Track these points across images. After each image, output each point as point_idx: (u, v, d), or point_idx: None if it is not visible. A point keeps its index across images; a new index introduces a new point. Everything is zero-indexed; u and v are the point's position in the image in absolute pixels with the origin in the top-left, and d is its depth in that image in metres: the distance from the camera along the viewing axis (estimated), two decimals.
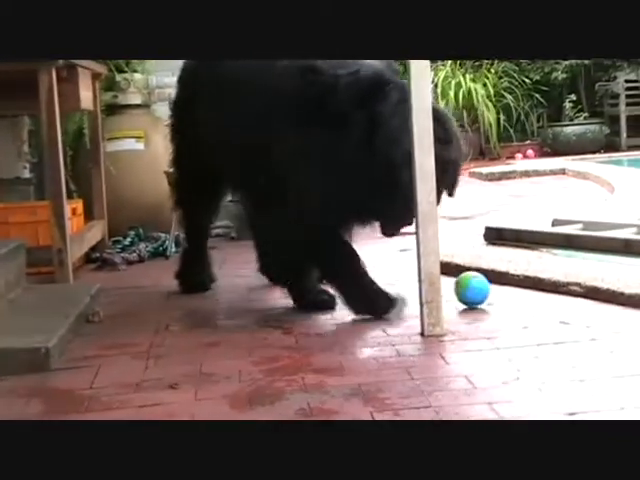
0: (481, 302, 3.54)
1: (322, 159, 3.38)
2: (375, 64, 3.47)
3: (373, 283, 3.51)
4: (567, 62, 11.97)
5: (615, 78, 12.11)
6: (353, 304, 3.50)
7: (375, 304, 3.47)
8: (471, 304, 3.53)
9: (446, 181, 3.37)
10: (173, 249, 5.45)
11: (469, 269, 4.06)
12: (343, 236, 3.60)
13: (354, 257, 3.54)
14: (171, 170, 4.49)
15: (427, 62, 3.16)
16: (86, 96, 4.98)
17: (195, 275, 4.25)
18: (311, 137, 3.40)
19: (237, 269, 4.19)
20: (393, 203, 3.32)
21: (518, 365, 2.75)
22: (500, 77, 11.97)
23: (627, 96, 11.95)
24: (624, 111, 11.88)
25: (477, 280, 3.56)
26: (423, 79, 3.14)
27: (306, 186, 3.41)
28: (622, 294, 3.41)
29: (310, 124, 3.40)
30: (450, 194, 3.46)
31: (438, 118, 3.32)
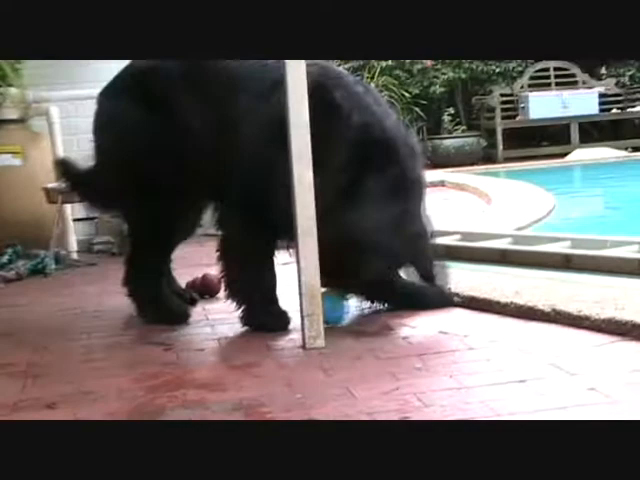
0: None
1: None
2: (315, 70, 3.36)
3: (276, 301, 3.56)
4: (445, 76, 12.23)
5: (491, 92, 12.42)
6: (253, 320, 3.52)
7: (270, 324, 3.49)
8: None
9: None
10: (53, 266, 5.36)
11: None
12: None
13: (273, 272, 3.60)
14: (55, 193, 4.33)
15: (304, 73, 3.12)
16: None
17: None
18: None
19: (118, 285, 4.13)
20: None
21: (398, 375, 2.79)
22: (380, 91, 12.10)
23: (502, 109, 12.28)
24: (500, 124, 12.19)
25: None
26: (300, 91, 3.12)
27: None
28: (498, 303, 3.50)
29: None
30: None
31: (383, 141, 3.36)
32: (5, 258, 5.46)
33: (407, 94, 12.28)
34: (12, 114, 6.08)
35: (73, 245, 5.95)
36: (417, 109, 12.29)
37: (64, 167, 4.11)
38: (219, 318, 3.70)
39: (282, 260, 4.74)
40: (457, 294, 3.65)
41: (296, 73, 3.11)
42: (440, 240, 4.80)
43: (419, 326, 3.40)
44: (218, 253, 3.58)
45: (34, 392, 2.91)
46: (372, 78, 12.05)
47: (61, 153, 6.06)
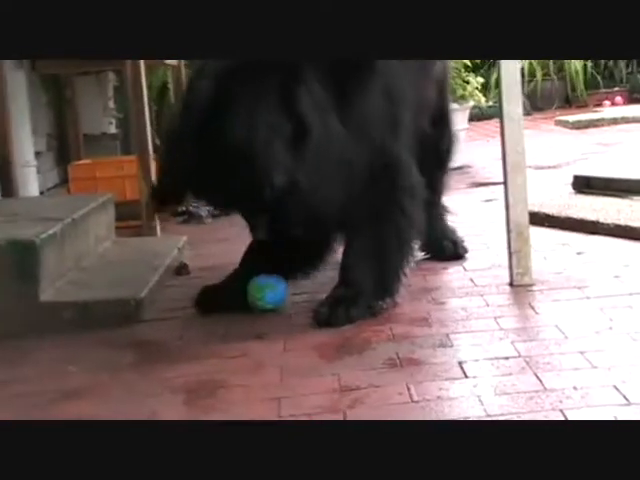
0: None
1: None
2: None
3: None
4: None
5: None
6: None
7: None
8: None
9: None
10: None
11: (557, 218, 4.01)
12: None
13: None
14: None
15: None
16: None
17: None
18: None
19: None
20: None
21: (610, 314, 2.70)
22: None
23: None
24: None
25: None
26: None
27: None
28: None
29: None
30: None
31: None
32: None
33: None
34: None
35: None
36: None
37: None
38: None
39: (483, 197, 4.70)
40: None
41: None
42: None
43: (629, 265, 3.28)
44: None
45: (244, 323, 2.98)
46: None
47: None
